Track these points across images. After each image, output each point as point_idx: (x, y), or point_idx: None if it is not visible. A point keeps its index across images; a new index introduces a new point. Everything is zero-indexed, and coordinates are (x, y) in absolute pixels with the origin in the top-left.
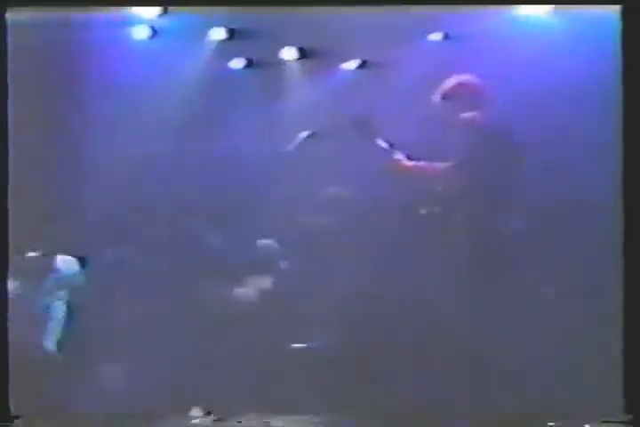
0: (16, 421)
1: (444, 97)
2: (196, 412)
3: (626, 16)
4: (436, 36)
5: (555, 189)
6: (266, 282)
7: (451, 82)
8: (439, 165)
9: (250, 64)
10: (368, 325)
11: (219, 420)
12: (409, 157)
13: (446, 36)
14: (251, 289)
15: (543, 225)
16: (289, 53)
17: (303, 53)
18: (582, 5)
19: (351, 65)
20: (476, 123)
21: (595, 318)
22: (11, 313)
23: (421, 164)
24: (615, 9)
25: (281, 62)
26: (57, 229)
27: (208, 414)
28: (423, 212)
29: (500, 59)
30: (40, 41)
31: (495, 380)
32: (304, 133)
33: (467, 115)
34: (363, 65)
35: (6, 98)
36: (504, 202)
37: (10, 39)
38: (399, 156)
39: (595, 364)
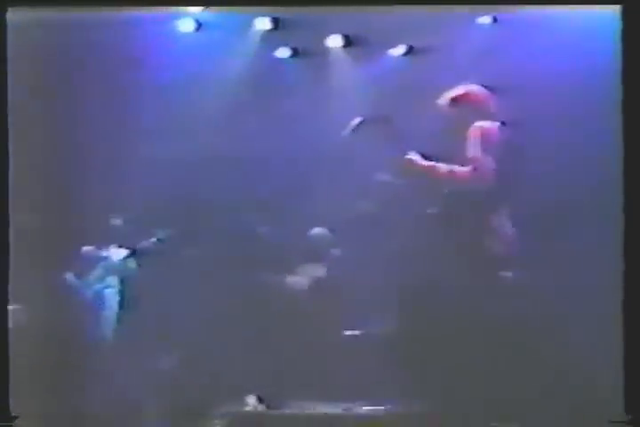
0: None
1: (451, 103)
2: (251, 399)
3: (626, 16)
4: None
5: (557, 190)
6: (318, 270)
7: (458, 90)
8: (452, 167)
9: (295, 53)
10: (421, 311)
11: (272, 407)
12: (424, 156)
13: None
14: (303, 277)
15: (544, 225)
16: (334, 41)
17: (349, 41)
18: (582, 5)
19: (398, 51)
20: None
21: (595, 317)
22: (65, 304)
23: (435, 164)
24: (615, 9)
25: (327, 50)
26: (112, 221)
27: (261, 401)
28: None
29: (497, 59)
30: (40, 41)
31: (496, 380)
32: (357, 120)
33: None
34: (409, 51)
35: (6, 98)
36: (509, 202)
37: (9, 39)
38: (412, 155)
39: (595, 364)
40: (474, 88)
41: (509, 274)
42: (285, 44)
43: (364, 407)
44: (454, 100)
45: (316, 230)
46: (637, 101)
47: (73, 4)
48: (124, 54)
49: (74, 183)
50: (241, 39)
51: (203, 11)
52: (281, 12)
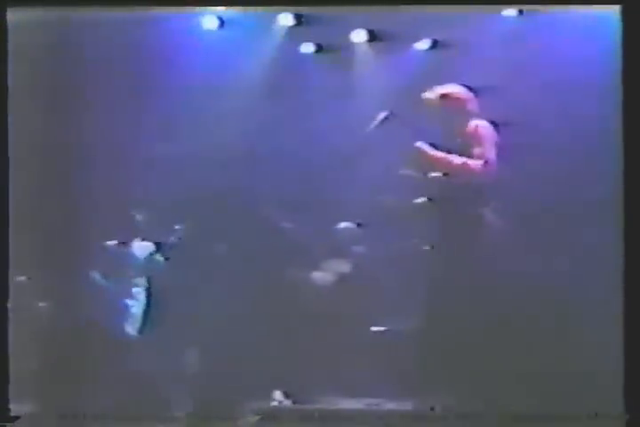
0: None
1: (436, 100)
2: (278, 395)
3: (626, 16)
4: (510, 12)
5: (557, 190)
6: (344, 266)
7: (444, 89)
8: (465, 160)
9: (320, 48)
10: (447, 308)
11: (298, 403)
12: (434, 146)
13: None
14: (329, 273)
15: (543, 224)
16: (359, 36)
17: (373, 36)
18: (582, 5)
19: (423, 45)
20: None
21: (595, 318)
22: (94, 301)
23: (447, 156)
24: (615, 9)
25: (351, 45)
26: (137, 219)
27: (287, 396)
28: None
29: (495, 60)
30: (40, 41)
31: (496, 380)
32: (382, 115)
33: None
34: (435, 45)
35: (6, 98)
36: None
37: (10, 39)
38: (421, 144)
39: (595, 363)
40: (455, 89)
41: (516, 271)
42: (309, 40)
43: (389, 404)
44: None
45: (344, 225)
46: (637, 101)
47: (72, 4)
48: (141, 53)
49: (93, 180)
50: (265, 35)
51: (226, 9)
52: (304, 11)
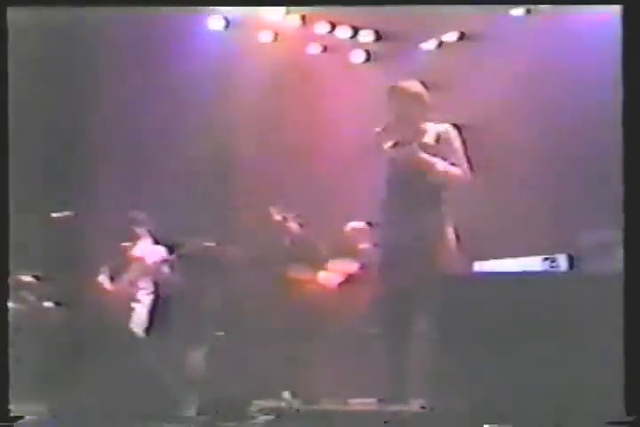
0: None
1: None
2: (286, 396)
3: (626, 16)
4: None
5: (556, 189)
6: (351, 266)
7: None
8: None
9: (325, 49)
10: (461, 309)
11: (306, 403)
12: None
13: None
14: (336, 273)
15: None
16: (366, 36)
17: (379, 36)
18: (582, 5)
19: (451, 37)
20: None
21: (595, 317)
22: (101, 301)
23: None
24: (615, 9)
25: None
26: (142, 218)
27: (295, 397)
28: None
29: (495, 60)
30: (41, 40)
31: (494, 380)
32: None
33: None
34: (462, 37)
35: (7, 98)
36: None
37: (10, 39)
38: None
39: (595, 364)
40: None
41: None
42: (315, 40)
43: (396, 404)
44: None
45: (352, 225)
46: (638, 102)
47: (73, 4)
48: (143, 53)
49: (100, 180)
50: (270, 36)
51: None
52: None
